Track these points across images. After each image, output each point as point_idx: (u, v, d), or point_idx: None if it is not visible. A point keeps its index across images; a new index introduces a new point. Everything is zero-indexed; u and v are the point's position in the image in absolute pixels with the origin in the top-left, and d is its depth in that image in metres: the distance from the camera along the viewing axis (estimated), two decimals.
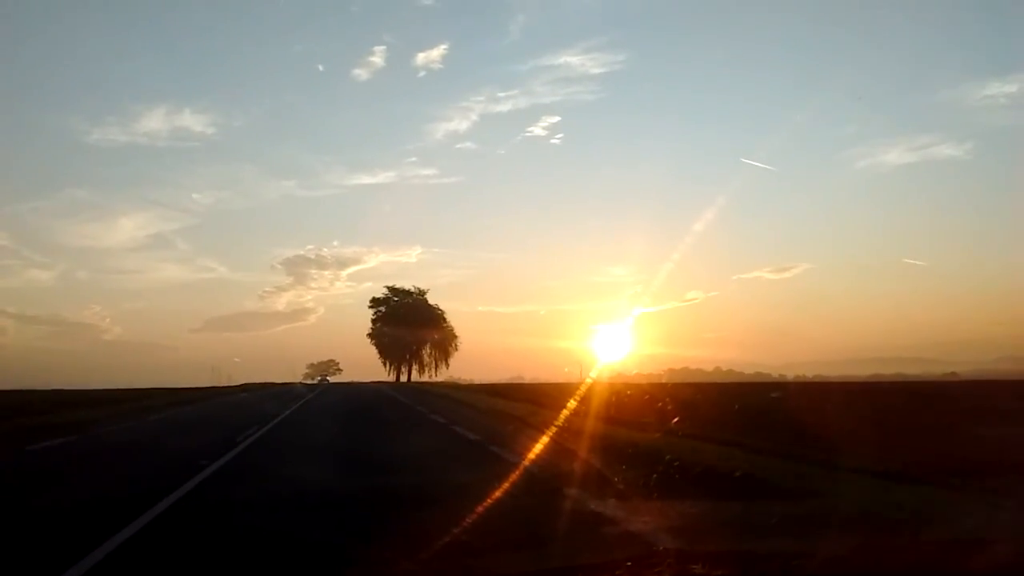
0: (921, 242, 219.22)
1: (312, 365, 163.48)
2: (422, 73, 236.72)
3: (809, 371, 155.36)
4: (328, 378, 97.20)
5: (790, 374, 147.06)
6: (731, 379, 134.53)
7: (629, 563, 3.16)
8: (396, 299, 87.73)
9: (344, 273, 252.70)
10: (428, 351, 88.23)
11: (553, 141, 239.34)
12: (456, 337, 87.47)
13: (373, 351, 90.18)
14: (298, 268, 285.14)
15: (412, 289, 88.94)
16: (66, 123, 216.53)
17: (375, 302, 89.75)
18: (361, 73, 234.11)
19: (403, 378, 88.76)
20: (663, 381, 39.41)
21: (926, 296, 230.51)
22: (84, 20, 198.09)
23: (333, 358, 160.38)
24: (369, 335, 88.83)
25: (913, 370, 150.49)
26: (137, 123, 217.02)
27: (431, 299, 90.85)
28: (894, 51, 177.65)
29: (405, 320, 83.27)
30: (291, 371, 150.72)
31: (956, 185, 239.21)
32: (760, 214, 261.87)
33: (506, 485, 7.57)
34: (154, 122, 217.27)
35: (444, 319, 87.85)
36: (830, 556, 3.09)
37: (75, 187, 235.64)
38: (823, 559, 3.02)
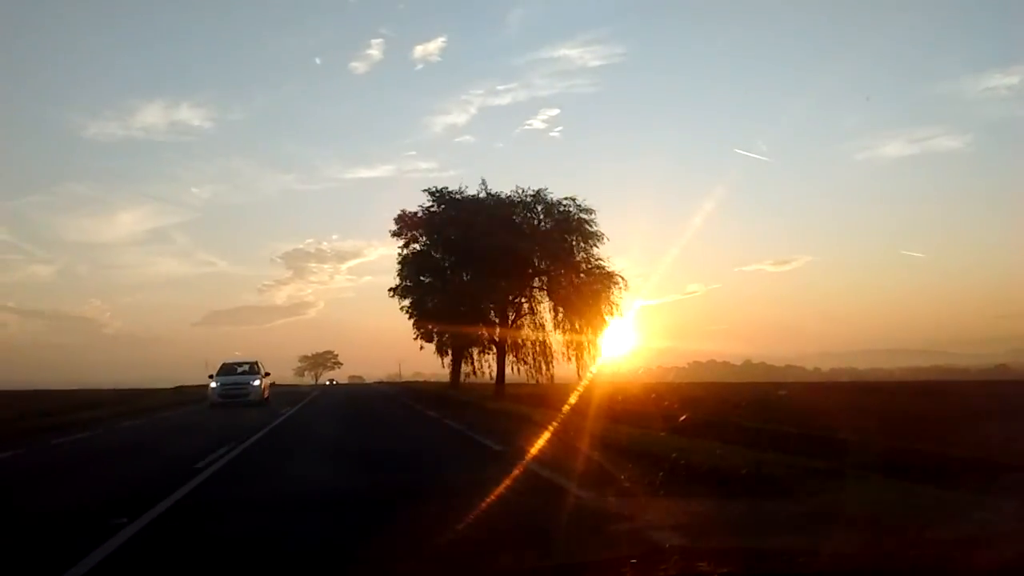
0: (922, 234, 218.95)
1: (306, 358, 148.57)
2: (420, 66, 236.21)
3: (841, 363, 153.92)
4: (250, 385, 30.19)
5: (825, 367, 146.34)
6: (762, 373, 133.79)
7: (634, 560, 3.24)
8: (456, 214, 32.07)
9: (344, 267, 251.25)
10: (554, 317, 31.99)
11: (552, 134, 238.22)
12: (619, 281, 30.87)
13: (387, 336, 40.10)
14: (297, 262, 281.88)
15: (483, 194, 32.14)
16: (64, 118, 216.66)
17: (405, 224, 34.99)
18: (359, 66, 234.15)
19: (473, 377, 36.40)
20: (671, 379, 38.89)
21: (930, 288, 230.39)
22: (81, 15, 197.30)
23: (331, 349, 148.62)
24: (395, 292, 35.93)
25: (940, 362, 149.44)
26: (135, 117, 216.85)
27: None
28: (894, 43, 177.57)
29: (482, 252, 30.46)
30: (289, 364, 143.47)
31: (957, 177, 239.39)
32: (760, 207, 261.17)
33: None
34: (152, 116, 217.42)
35: (592, 239, 31.14)
36: (836, 553, 3.17)
37: (74, 182, 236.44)
38: (829, 556, 3.09)
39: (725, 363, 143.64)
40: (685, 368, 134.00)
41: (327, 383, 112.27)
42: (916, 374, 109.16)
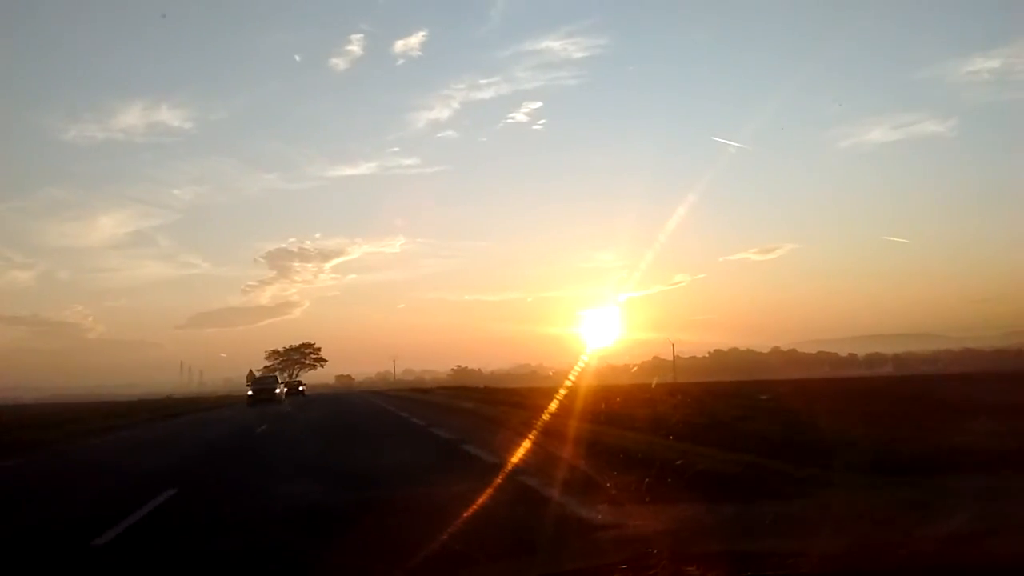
0: (906, 219, 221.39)
1: (276, 354, 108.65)
2: (401, 61, 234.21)
3: (869, 347, 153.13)
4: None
5: (861, 352, 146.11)
6: (794, 359, 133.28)
7: (624, 566, 3.26)
8: None
9: (327, 265, 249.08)
10: None
11: (536, 127, 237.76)
12: None
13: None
14: (281, 261, 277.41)
15: None
16: (42, 121, 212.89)
17: None
18: (339, 63, 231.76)
19: None
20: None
21: (917, 273, 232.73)
22: (57, 16, 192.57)
23: (309, 341, 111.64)
24: None
25: (939, 347, 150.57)
26: (114, 119, 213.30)
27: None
28: (877, 28, 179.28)
29: None
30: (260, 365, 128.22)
31: (941, 162, 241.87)
32: (744, 196, 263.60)
33: None
34: (131, 118, 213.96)
35: None
36: (824, 555, 3.20)
37: (53, 186, 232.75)
38: (818, 558, 3.12)
39: (749, 351, 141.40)
40: (706, 358, 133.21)
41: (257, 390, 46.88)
42: (966, 358, 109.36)
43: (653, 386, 26.74)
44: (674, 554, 3.67)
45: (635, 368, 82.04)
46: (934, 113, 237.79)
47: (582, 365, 28.73)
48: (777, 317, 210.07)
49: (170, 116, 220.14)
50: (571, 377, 25.94)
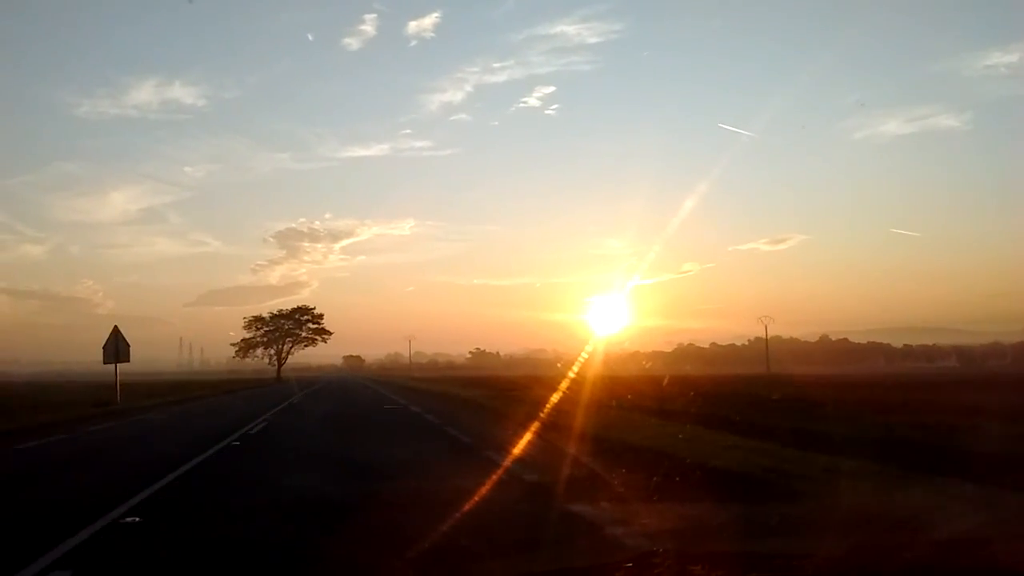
0: (920, 212, 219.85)
1: (259, 322, 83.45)
2: (414, 42, 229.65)
3: (917, 339, 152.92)
4: None
5: (915, 342, 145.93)
6: (845, 349, 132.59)
7: (629, 564, 3.29)
8: None
9: (337, 246, 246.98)
10: None
11: (548, 112, 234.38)
12: None
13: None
14: (291, 241, 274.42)
15: None
16: (55, 96, 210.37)
17: None
18: (352, 42, 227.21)
19: None
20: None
21: (927, 266, 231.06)
22: None
23: (306, 304, 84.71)
24: None
25: (959, 340, 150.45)
26: (127, 95, 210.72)
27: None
28: (893, 21, 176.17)
29: None
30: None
31: (955, 155, 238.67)
32: (755, 186, 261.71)
33: None
34: (144, 94, 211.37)
35: None
36: (830, 556, 3.24)
37: (66, 161, 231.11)
38: (823, 559, 3.16)
39: (792, 339, 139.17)
40: (747, 345, 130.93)
41: None
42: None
43: (665, 381, 25.23)
44: (680, 553, 3.71)
45: (648, 364, 77.48)
46: (950, 107, 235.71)
47: (605, 352, 27.94)
48: (816, 306, 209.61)
49: (183, 94, 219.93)
50: (592, 365, 24.56)
